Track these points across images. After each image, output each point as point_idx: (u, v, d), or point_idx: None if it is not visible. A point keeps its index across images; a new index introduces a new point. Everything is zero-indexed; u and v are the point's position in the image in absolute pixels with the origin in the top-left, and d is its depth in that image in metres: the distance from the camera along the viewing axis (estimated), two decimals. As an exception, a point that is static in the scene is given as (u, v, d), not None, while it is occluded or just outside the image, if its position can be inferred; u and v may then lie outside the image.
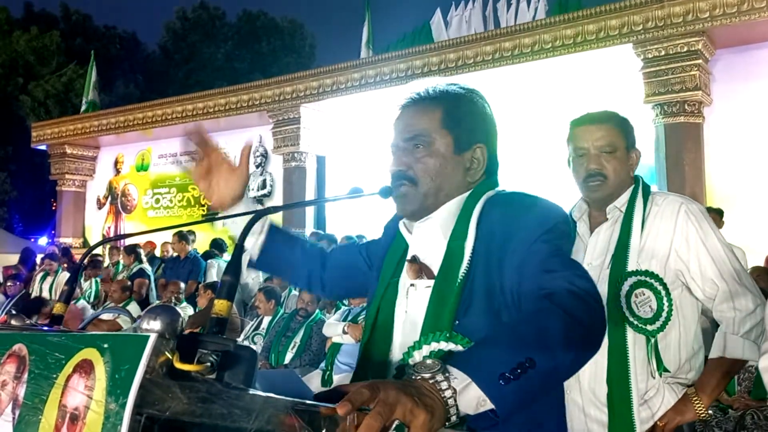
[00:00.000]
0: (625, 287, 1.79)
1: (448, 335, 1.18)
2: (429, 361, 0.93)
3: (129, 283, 7.04)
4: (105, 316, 5.99)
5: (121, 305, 6.56)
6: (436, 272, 1.30)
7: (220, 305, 0.92)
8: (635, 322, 1.78)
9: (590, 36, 7.11)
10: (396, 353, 1.32)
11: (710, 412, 1.87)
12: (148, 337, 0.77)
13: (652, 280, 1.78)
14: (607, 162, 1.88)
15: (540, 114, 7.91)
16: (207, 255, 8.00)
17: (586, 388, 1.81)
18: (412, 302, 1.32)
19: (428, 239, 1.35)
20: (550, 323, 1.02)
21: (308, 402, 0.86)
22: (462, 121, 1.34)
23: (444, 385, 0.90)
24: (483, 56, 7.80)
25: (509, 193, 1.36)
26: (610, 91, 7.50)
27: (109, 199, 12.83)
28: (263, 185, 10.62)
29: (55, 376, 0.90)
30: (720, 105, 7.11)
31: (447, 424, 0.88)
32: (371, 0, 10.42)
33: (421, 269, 1.32)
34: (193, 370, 0.78)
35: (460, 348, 1.17)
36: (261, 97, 9.84)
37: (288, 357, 5.11)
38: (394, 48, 9.21)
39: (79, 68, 22.95)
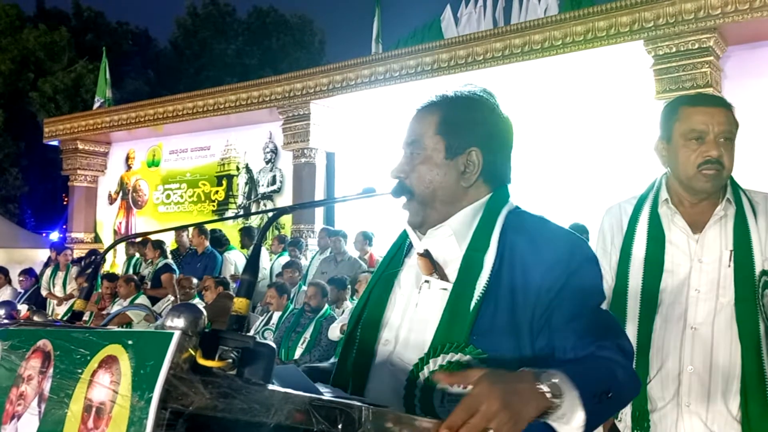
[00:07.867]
0: (760, 287, 1.67)
1: (463, 346, 1.20)
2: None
3: (136, 277, 7.12)
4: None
5: (130, 299, 6.63)
6: (449, 275, 1.30)
7: (240, 303, 0.95)
8: None
9: (601, 33, 7.08)
10: (386, 346, 1.32)
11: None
12: (172, 334, 0.80)
13: None
14: (725, 150, 1.75)
15: (550, 111, 7.90)
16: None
17: (718, 400, 1.67)
18: (425, 300, 1.31)
19: (441, 244, 1.34)
20: (617, 372, 1.15)
21: (325, 398, 0.89)
22: (457, 125, 1.33)
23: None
24: (493, 53, 7.78)
25: (534, 219, 1.35)
26: (620, 88, 7.48)
27: (121, 194, 12.92)
28: (273, 181, 10.66)
29: (80, 371, 0.93)
30: (731, 102, 7.06)
31: None
32: (381, -4, 10.41)
33: (434, 266, 1.31)
34: (215, 366, 0.81)
35: (471, 359, 1.18)
36: (271, 93, 9.87)
37: (298, 352, 5.15)
38: (404, 44, 9.20)
39: (89, 63, 23.07)
